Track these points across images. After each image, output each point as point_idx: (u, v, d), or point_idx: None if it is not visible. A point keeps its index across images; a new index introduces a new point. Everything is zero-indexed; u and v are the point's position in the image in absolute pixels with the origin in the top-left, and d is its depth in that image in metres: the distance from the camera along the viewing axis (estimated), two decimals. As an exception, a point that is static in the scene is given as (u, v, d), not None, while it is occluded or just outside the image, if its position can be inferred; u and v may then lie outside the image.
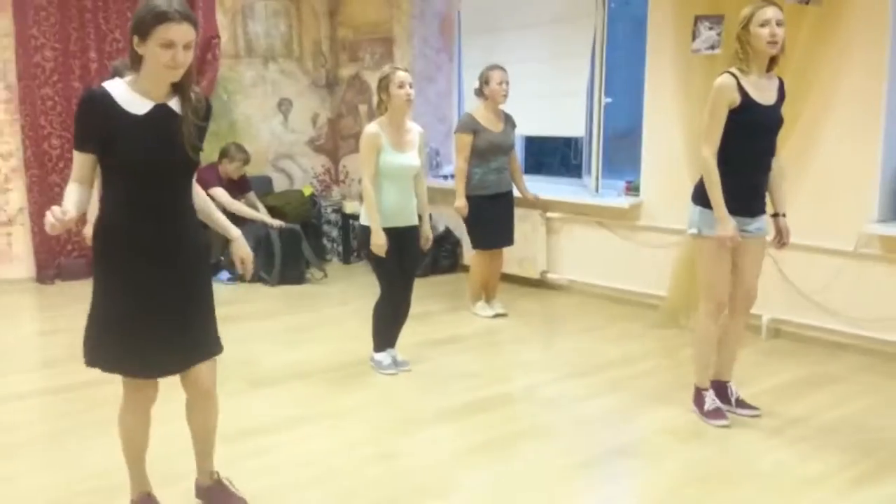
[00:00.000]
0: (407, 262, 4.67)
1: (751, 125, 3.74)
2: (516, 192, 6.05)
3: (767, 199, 3.98)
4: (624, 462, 3.75)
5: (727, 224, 3.74)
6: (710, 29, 5.33)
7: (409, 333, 4.92)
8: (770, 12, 3.66)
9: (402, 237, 4.57)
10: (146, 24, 2.60)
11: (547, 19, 6.63)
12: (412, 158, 4.59)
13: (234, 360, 4.77)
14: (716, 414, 3.97)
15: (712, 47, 5.35)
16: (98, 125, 2.65)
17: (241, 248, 3.07)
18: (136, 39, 2.63)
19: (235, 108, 7.88)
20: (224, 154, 7.10)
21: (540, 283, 6.73)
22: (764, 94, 3.77)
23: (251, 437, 3.84)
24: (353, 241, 7.84)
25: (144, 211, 2.74)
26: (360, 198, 7.62)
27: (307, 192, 7.94)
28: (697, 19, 5.42)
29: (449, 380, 4.65)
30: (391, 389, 4.54)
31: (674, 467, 3.55)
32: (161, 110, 2.72)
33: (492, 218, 5.79)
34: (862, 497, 3.26)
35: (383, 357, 4.75)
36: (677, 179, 5.61)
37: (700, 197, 3.87)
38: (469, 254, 6.28)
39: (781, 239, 4.03)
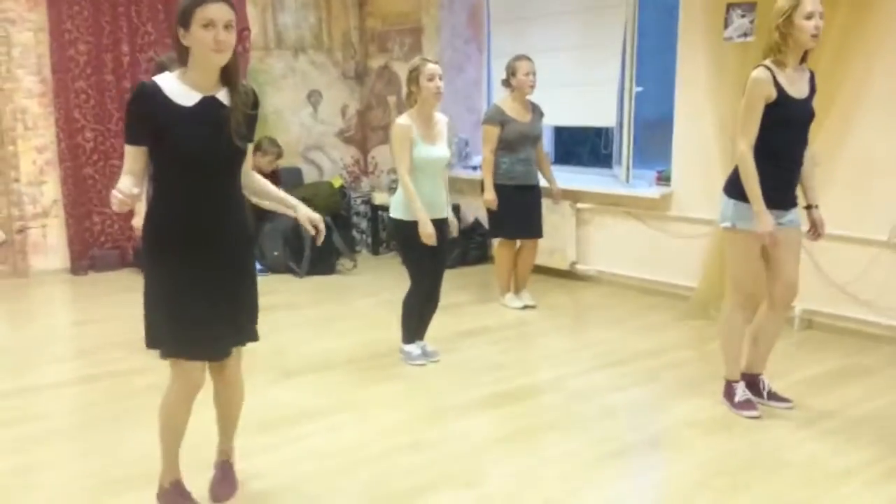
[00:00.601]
0: (438, 255, 4.67)
1: (785, 119, 3.69)
2: (544, 183, 6.02)
3: (799, 191, 3.94)
4: (652, 453, 3.74)
5: (766, 219, 3.69)
6: (743, 17, 5.28)
7: (438, 325, 4.93)
8: (814, 4, 3.60)
9: (436, 229, 4.54)
10: (187, 12, 2.69)
11: (576, 7, 6.60)
12: (442, 150, 4.61)
13: (265, 351, 4.80)
14: (746, 405, 3.95)
15: (745, 35, 5.30)
16: (149, 118, 2.72)
17: (307, 213, 3.06)
18: (180, 31, 2.71)
19: (266, 100, 7.89)
20: (257, 148, 7.09)
21: (569, 275, 6.71)
22: (797, 87, 3.73)
23: (284, 427, 3.88)
24: (383, 232, 7.87)
25: (196, 199, 2.82)
26: (389, 189, 7.69)
27: (337, 183, 7.96)
28: (729, 7, 5.37)
29: (478, 371, 4.66)
30: (420, 380, 4.56)
31: (703, 459, 3.53)
32: (209, 102, 2.79)
33: (517, 208, 5.76)
34: (893, 490, 3.22)
35: (412, 348, 4.76)
36: (709, 169, 5.57)
37: (734, 189, 3.82)
38: (495, 245, 6.27)
39: (816, 231, 3.98)
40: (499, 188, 5.70)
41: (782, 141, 3.74)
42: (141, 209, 4.61)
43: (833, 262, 5.13)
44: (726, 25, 5.41)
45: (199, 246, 2.84)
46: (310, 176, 8.21)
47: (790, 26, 3.62)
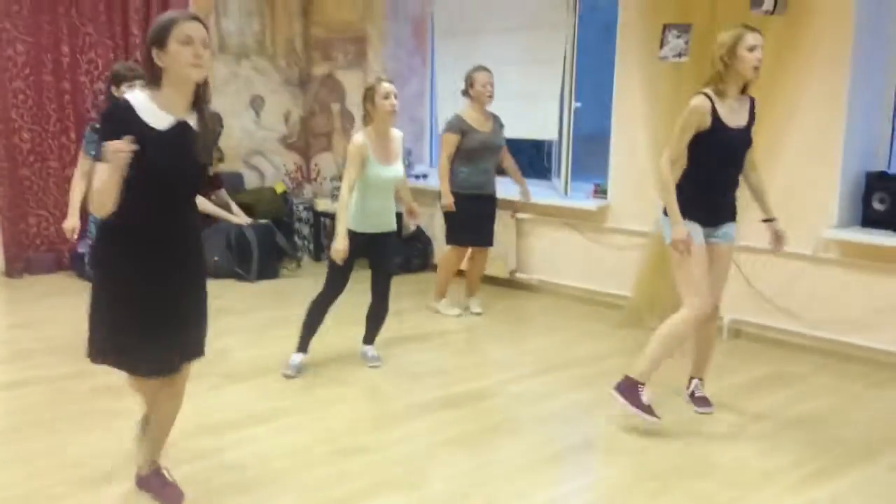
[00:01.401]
0: (383, 265, 4.81)
1: (718, 146, 3.87)
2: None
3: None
4: (589, 456, 3.87)
5: (681, 228, 3.88)
6: (678, 37, 5.48)
7: (382, 330, 4.99)
8: (756, 38, 3.77)
9: (378, 241, 4.71)
10: (163, 31, 2.74)
11: (519, 24, 6.74)
12: (396, 169, 4.71)
13: (209, 355, 4.84)
14: (650, 410, 3.96)
15: (679, 55, 5.50)
16: (119, 137, 2.68)
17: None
18: (154, 52, 2.75)
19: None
20: None
21: (509, 283, 6.84)
22: (735, 116, 3.90)
23: (227, 431, 3.91)
24: (325, 239, 7.91)
25: (159, 217, 2.86)
26: (332, 196, 7.74)
27: (279, 189, 7.98)
28: (665, 27, 5.57)
29: (421, 376, 4.75)
30: (364, 385, 4.63)
31: (636, 461, 3.68)
32: (181, 127, 2.83)
33: (473, 216, 5.87)
34: (815, 493, 3.40)
35: (296, 357, 4.74)
36: (643, 183, 5.77)
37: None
38: (442, 251, 6.36)
39: (779, 242, 4.13)
40: (457, 196, 5.79)
41: (715, 166, 3.92)
42: (74, 211, 4.63)
43: (761, 274, 5.36)
44: (662, 45, 5.60)
45: (156, 262, 2.88)
46: (251, 181, 8.21)
47: (733, 58, 3.77)
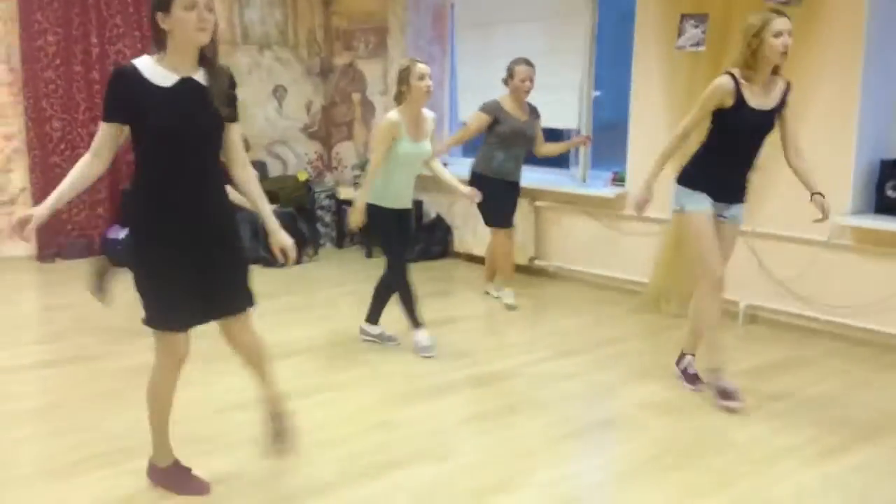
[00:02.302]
0: (405, 239, 5.07)
1: (736, 126, 3.98)
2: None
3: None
4: (607, 433, 4.01)
5: (644, 192, 4.20)
6: (696, 27, 5.58)
7: (403, 316, 5.13)
8: (783, 23, 3.83)
9: (402, 218, 4.92)
10: None
11: (540, 14, 6.85)
12: (425, 146, 4.86)
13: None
14: (691, 378, 4.36)
15: (697, 45, 5.60)
16: (127, 98, 2.85)
17: (281, 241, 3.22)
18: (159, 16, 2.82)
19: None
20: None
21: (528, 269, 6.97)
22: (762, 99, 3.97)
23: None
24: (346, 227, 8.07)
25: (175, 174, 2.95)
26: (354, 184, 7.89)
27: (302, 177, 8.15)
28: (683, 17, 5.67)
29: (443, 358, 4.88)
30: (389, 366, 4.78)
31: (654, 438, 3.82)
32: (187, 83, 2.90)
33: (505, 200, 6.01)
34: (828, 468, 3.53)
35: (372, 327, 5.10)
36: (661, 171, 5.86)
37: (682, 177, 4.19)
38: (462, 240, 6.45)
39: (823, 214, 4.14)
40: (492, 181, 5.83)
41: (733, 145, 4.05)
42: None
43: (777, 260, 5.47)
44: (679, 35, 5.71)
45: (180, 217, 2.96)
46: (274, 170, 8.37)
47: (760, 42, 3.84)
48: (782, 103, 4.05)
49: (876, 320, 5.07)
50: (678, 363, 4.47)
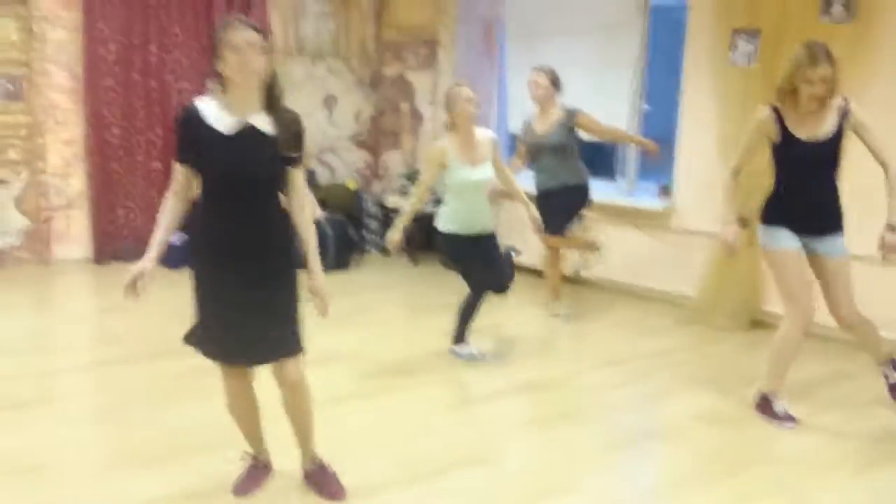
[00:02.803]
0: (489, 263, 4.96)
1: (790, 158, 3.94)
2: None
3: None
4: (655, 442, 4.05)
5: (727, 228, 4.11)
6: (748, 43, 5.60)
7: (452, 322, 5.20)
8: (818, 72, 3.71)
9: (479, 244, 4.88)
10: (217, 40, 2.90)
11: (590, 27, 6.90)
12: (482, 172, 4.78)
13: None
14: (787, 417, 4.10)
15: (748, 60, 5.62)
16: (190, 140, 2.96)
17: (318, 285, 3.20)
18: (215, 59, 2.92)
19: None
20: None
21: (575, 280, 7.02)
22: (810, 129, 3.89)
23: (322, 408, 4.15)
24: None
25: (228, 217, 3.01)
26: (401, 193, 8.01)
27: (351, 185, 8.28)
28: (735, 32, 5.69)
29: (491, 366, 4.96)
30: (444, 372, 4.86)
31: (700, 449, 3.85)
32: (245, 128, 2.95)
33: (552, 210, 5.81)
34: (874, 478, 3.55)
35: (462, 347, 5.03)
36: (709, 186, 5.89)
37: (762, 214, 4.12)
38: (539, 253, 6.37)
39: (885, 249, 3.99)
40: (537, 197, 5.80)
41: (793, 177, 3.97)
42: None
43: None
44: (731, 50, 5.73)
45: (230, 260, 3.02)
46: (323, 177, 8.52)
47: (791, 84, 3.81)
48: (839, 130, 3.92)
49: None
50: (763, 408, 4.19)
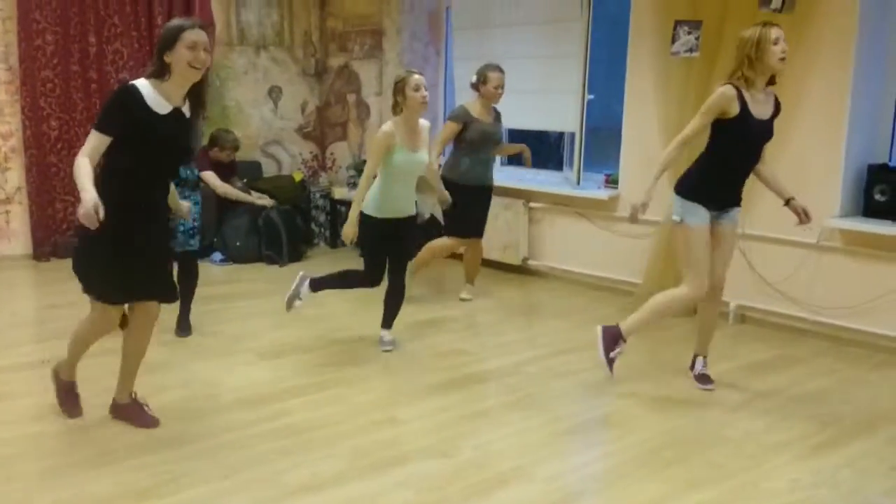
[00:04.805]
0: (402, 249, 5.03)
1: (742, 135, 4.10)
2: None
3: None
4: (604, 430, 4.12)
5: (644, 196, 4.24)
6: (689, 33, 5.69)
7: (401, 314, 5.20)
8: (778, 31, 4.00)
9: (399, 226, 4.91)
10: (172, 36, 3.37)
11: (534, 19, 6.94)
12: (422, 156, 4.90)
13: (242, 334, 5.13)
14: (611, 364, 4.50)
15: (690, 51, 5.71)
16: (126, 117, 3.34)
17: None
18: (165, 52, 3.37)
19: (227, 94, 8.13)
20: (214, 143, 7.00)
21: (521, 270, 7.08)
22: (761, 108, 4.12)
23: (263, 404, 4.15)
24: (341, 226, 8.14)
25: (146, 183, 3.51)
26: (348, 184, 7.98)
27: (298, 177, 8.22)
28: (677, 24, 5.77)
29: (439, 357, 4.98)
30: (389, 364, 4.86)
31: (650, 434, 3.92)
32: (177, 113, 3.48)
33: (472, 209, 5.97)
34: (820, 461, 3.65)
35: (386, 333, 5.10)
36: (653, 174, 5.98)
37: (682, 187, 4.27)
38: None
39: (803, 217, 4.33)
40: (460, 188, 5.76)
41: (736, 154, 4.17)
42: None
43: (766, 261, 5.60)
44: (673, 41, 5.81)
45: (139, 221, 3.50)
46: (269, 169, 8.43)
47: (760, 52, 3.98)
48: (776, 111, 4.20)
49: (864, 321, 5.19)
50: (691, 366, 4.58)
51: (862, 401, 4.40)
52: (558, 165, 7.26)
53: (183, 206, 4.23)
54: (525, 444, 3.79)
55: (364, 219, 4.86)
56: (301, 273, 5.21)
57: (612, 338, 4.49)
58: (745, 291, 5.67)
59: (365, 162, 8.02)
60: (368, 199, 4.86)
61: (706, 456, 3.68)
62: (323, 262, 7.59)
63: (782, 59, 4.02)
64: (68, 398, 3.95)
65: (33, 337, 5.39)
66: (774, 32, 3.99)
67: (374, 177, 4.88)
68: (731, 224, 4.33)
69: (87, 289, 3.59)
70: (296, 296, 5.10)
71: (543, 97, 6.50)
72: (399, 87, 4.78)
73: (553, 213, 6.95)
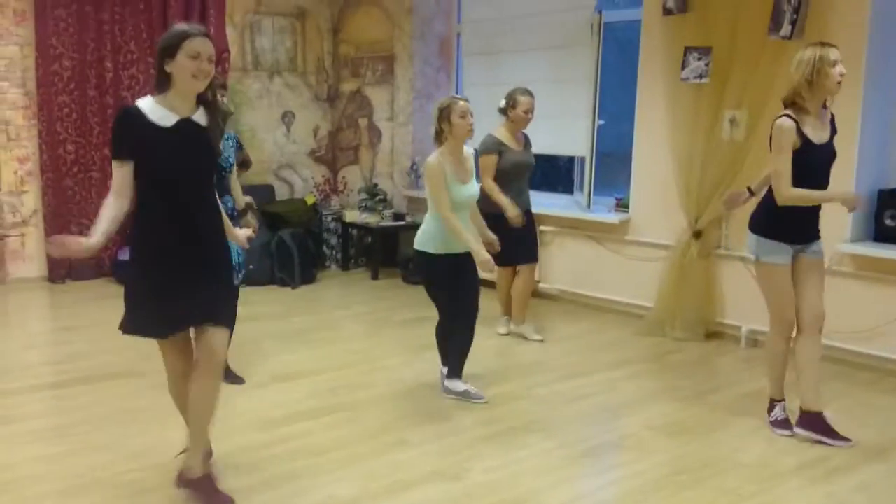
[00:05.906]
0: (470, 283, 4.66)
1: (808, 164, 3.97)
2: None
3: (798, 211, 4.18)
4: (618, 454, 4.12)
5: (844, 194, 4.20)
6: (699, 59, 5.73)
7: (412, 337, 5.24)
8: (836, 53, 3.90)
9: (460, 263, 4.53)
10: (174, 44, 3.05)
11: (545, 44, 7.00)
12: (473, 187, 4.56)
13: (255, 356, 5.15)
14: (781, 424, 4.24)
15: (700, 76, 5.75)
16: (131, 137, 3.06)
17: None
18: (166, 61, 3.06)
19: (241, 119, 8.20)
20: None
21: (533, 293, 7.07)
22: (819, 132, 4.00)
23: (275, 426, 4.18)
24: (352, 249, 8.23)
25: (175, 207, 3.14)
26: (360, 207, 8.03)
27: (310, 200, 8.28)
28: (687, 50, 5.81)
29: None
30: (398, 388, 4.88)
31: (664, 458, 3.92)
32: (186, 123, 3.14)
33: (511, 236, 5.36)
34: (833, 486, 3.65)
35: (456, 384, 4.71)
36: (664, 198, 6.02)
37: (757, 226, 4.16)
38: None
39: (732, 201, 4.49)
40: (494, 217, 5.20)
41: (806, 185, 3.98)
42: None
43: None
44: (683, 67, 5.85)
45: (173, 244, 3.15)
46: (281, 193, 8.50)
47: (818, 75, 3.87)
48: (833, 131, 4.09)
49: (875, 345, 5.19)
50: (769, 412, 4.34)
51: (875, 425, 4.39)
52: (569, 189, 7.30)
53: (240, 234, 3.64)
54: (537, 468, 3.80)
55: (427, 259, 4.52)
56: (444, 383, 4.77)
57: (811, 421, 4.15)
58: (757, 316, 5.65)
59: (377, 185, 8.22)
60: (426, 239, 4.52)
61: (720, 481, 3.68)
62: (334, 284, 7.66)
63: (839, 83, 3.91)
64: (215, 498, 3.33)
65: (48, 359, 5.43)
66: (834, 54, 3.88)
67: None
68: (816, 257, 4.17)
69: (123, 324, 3.23)
70: (462, 395, 4.68)
71: (554, 122, 6.53)
72: (444, 115, 4.42)
73: (563, 236, 6.97)
